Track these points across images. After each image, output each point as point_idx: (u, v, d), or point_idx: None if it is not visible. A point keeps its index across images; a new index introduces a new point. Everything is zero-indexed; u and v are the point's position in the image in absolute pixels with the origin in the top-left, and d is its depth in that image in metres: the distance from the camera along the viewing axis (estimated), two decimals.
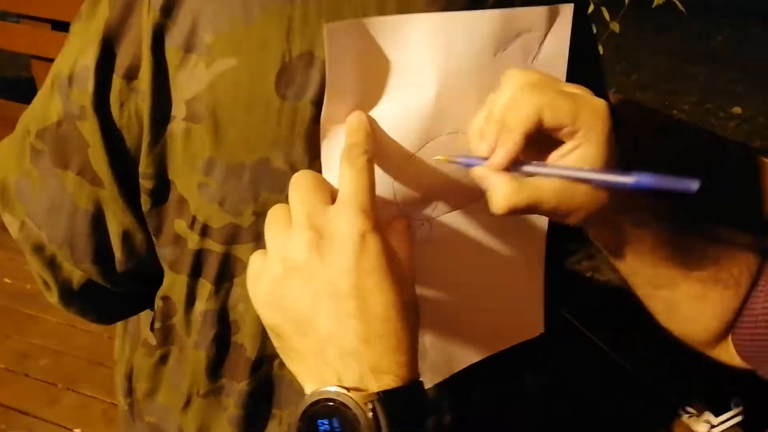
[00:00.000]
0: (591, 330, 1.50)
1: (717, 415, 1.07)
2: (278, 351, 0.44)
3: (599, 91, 0.62)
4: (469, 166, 0.45)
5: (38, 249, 0.55)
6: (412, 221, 0.49)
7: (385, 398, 0.38)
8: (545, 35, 0.47)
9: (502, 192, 0.43)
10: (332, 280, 0.39)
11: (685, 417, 1.11)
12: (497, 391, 0.63)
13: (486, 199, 0.45)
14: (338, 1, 0.45)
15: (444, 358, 0.56)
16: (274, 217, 0.43)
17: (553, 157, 0.43)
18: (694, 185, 0.39)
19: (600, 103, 0.42)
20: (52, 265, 0.55)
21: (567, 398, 1.28)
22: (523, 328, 0.59)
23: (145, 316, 0.61)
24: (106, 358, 1.75)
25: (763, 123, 3.89)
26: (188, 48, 0.45)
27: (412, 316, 0.42)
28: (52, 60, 0.52)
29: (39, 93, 0.53)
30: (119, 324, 0.67)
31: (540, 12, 0.46)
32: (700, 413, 1.10)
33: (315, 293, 0.40)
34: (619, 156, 0.43)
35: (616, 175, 0.41)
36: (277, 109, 0.45)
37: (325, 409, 0.38)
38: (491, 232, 0.54)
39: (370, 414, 0.37)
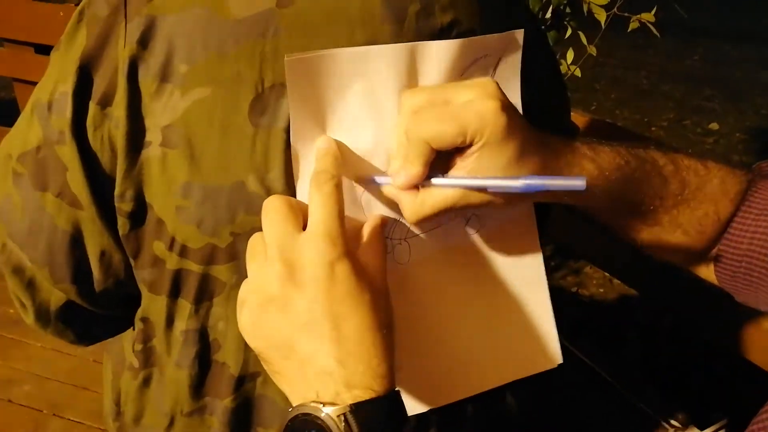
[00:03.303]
0: (575, 344, 1.51)
1: (701, 429, 1.09)
2: (269, 373, 0.46)
3: (558, 109, 0.66)
4: (382, 185, 0.49)
5: (18, 270, 0.56)
6: (388, 239, 0.51)
7: (357, 409, 0.40)
8: (499, 59, 0.50)
9: (410, 207, 0.47)
10: (306, 308, 0.42)
11: (670, 431, 1.13)
12: (482, 408, 0.63)
13: (457, 220, 0.49)
14: (307, 34, 0.47)
15: (441, 388, 0.55)
16: (251, 248, 0.46)
17: (456, 160, 0.47)
18: (580, 183, 0.42)
19: (488, 107, 0.45)
20: (30, 286, 0.56)
21: (549, 413, 1.28)
22: (535, 357, 0.57)
23: (128, 339, 0.61)
24: (92, 383, 1.73)
25: (740, 139, 3.96)
26: (164, 77, 0.47)
27: (386, 331, 0.44)
28: (34, 83, 0.55)
29: (19, 119, 0.55)
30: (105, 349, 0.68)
31: (493, 38, 0.49)
32: (684, 427, 1.11)
33: (291, 322, 0.43)
34: (523, 147, 0.46)
35: (505, 180, 0.45)
36: (251, 136, 0.48)
37: (302, 422, 0.41)
38: (479, 251, 0.54)
39: (343, 425, 0.40)
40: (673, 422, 1.15)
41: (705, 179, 0.55)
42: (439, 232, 0.53)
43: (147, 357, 0.58)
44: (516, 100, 0.52)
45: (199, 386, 0.57)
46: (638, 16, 1.28)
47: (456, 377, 0.56)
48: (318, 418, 0.40)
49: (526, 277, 0.56)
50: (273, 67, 0.47)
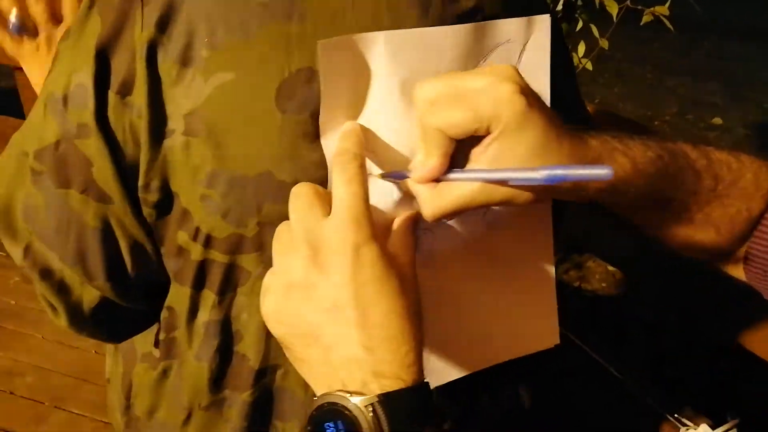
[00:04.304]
0: (580, 339, 1.51)
1: (714, 428, 1.08)
2: (291, 361, 0.45)
3: (574, 101, 0.65)
4: (401, 179, 0.47)
5: (46, 273, 0.54)
6: (416, 227, 0.50)
7: (385, 400, 0.39)
8: (524, 45, 0.49)
9: (428, 202, 0.45)
10: (331, 293, 0.41)
11: (682, 429, 1.12)
12: (496, 401, 0.64)
13: (486, 208, 0.48)
14: (334, 17, 0.46)
15: (451, 363, 0.56)
16: (278, 236, 0.45)
17: (475, 152, 0.44)
18: (607, 172, 0.38)
19: (503, 90, 0.42)
20: (61, 289, 0.54)
21: (557, 408, 1.28)
22: (537, 338, 0.59)
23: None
24: (94, 375, 1.72)
25: (744, 133, 3.95)
26: (184, 62, 0.46)
27: (414, 319, 0.43)
28: None
29: (31, 114, 0.53)
30: None
31: (517, 23, 0.48)
32: (696, 425, 1.11)
33: (315, 307, 0.41)
34: (546, 135, 0.43)
35: (524, 172, 0.41)
36: (278, 123, 0.46)
37: (329, 412, 0.40)
38: (496, 240, 0.55)
39: (371, 415, 0.38)
40: (684, 421, 1.14)
41: (738, 174, 0.52)
42: (459, 221, 0.53)
43: (169, 348, 0.57)
44: (545, 89, 0.50)
45: (218, 379, 0.56)
46: (652, 9, 1.26)
47: (465, 354, 0.57)
48: (345, 408, 0.39)
49: (536, 264, 0.57)
50: (300, 50, 0.45)
